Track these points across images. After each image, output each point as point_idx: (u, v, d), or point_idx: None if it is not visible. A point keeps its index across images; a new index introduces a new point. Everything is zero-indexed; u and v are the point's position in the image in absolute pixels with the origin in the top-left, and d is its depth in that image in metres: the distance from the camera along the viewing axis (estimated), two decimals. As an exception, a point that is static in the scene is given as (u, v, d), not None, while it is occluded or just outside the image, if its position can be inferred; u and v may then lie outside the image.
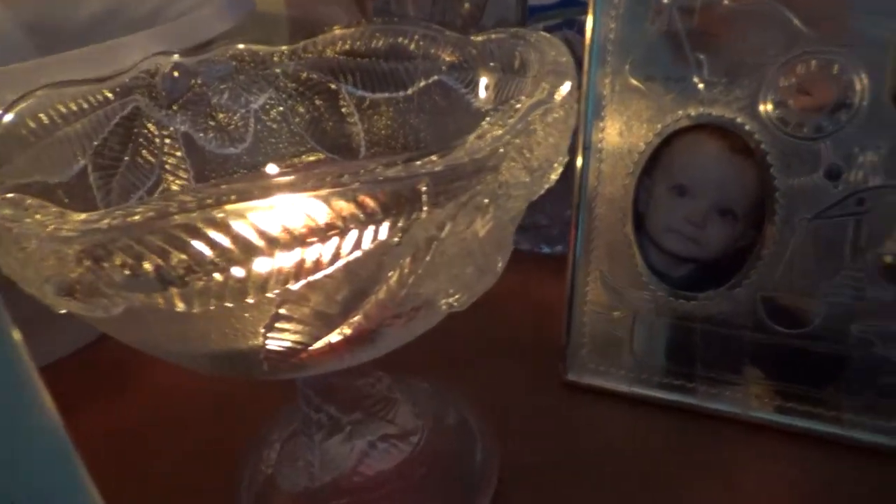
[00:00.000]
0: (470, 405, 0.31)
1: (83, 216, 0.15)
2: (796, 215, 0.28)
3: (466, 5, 0.42)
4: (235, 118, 0.30)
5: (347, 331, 0.17)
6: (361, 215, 0.16)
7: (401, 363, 0.27)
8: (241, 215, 0.14)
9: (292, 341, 0.17)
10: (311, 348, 0.18)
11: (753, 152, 0.29)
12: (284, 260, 0.15)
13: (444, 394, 0.31)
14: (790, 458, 0.28)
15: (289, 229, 0.15)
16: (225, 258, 0.15)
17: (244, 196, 0.14)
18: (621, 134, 0.31)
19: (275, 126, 0.30)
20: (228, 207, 0.14)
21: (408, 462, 0.26)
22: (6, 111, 0.22)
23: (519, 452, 0.29)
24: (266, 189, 0.15)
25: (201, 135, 0.29)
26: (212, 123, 0.29)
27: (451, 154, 0.17)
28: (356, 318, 0.17)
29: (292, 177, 0.15)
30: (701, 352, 0.30)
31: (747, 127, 0.29)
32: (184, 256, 0.14)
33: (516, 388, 0.33)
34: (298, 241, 0.15)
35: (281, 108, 0.30)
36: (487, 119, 0.18)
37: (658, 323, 0.31)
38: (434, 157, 0.17)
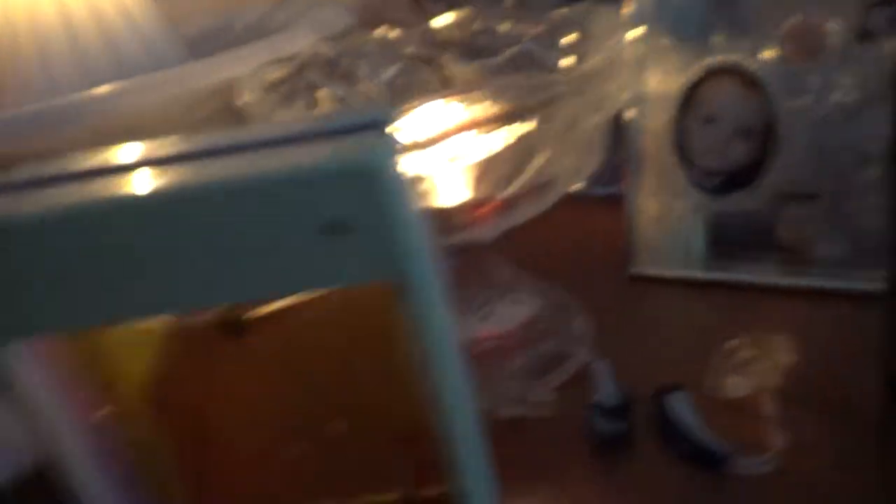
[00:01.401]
0: (566, 292, 0.40)
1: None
2: (795, 130, 0.38)
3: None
4: (373, 84, 0.40)
5: (514, 187, 0.27)
6: (524, 110, 0.26)
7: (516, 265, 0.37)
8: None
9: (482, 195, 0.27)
10: (484, 205, 0.28)
11: (760, 86, 0.39)
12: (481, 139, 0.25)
13: (548, 284, 0.40)
14: (800, 312, 0.38)
15: (490, 112, 0.25)
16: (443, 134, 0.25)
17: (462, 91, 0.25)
18: (660, 82, 0.41)
19: (403, 91, 0.41)
20: (454, 97, 0.24)
21: (525, 324, 0.36)
22: (238, 89, 0.33)
23: (597, 326, 0.39)
24: (473, 94, 0.25)
25: (352, 99, 0.39)
26: (360, 89, 0.39)
27: (576, 70, 0.27)
28: (521, 179, 0.27)
29: (485, 89, 0.25)
30: (732, 238, 0.40)
31: (754, 69, 0.39)
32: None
33: (595, 283, 0.42)
34: (493, 122, 0.25)
35: (406, 77, 0.41)
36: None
37: (700, 222, 0.41)
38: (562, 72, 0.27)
